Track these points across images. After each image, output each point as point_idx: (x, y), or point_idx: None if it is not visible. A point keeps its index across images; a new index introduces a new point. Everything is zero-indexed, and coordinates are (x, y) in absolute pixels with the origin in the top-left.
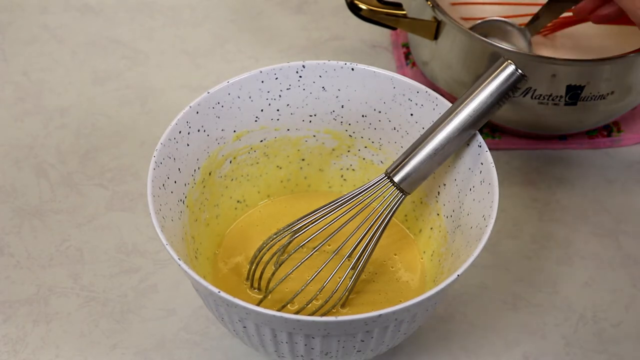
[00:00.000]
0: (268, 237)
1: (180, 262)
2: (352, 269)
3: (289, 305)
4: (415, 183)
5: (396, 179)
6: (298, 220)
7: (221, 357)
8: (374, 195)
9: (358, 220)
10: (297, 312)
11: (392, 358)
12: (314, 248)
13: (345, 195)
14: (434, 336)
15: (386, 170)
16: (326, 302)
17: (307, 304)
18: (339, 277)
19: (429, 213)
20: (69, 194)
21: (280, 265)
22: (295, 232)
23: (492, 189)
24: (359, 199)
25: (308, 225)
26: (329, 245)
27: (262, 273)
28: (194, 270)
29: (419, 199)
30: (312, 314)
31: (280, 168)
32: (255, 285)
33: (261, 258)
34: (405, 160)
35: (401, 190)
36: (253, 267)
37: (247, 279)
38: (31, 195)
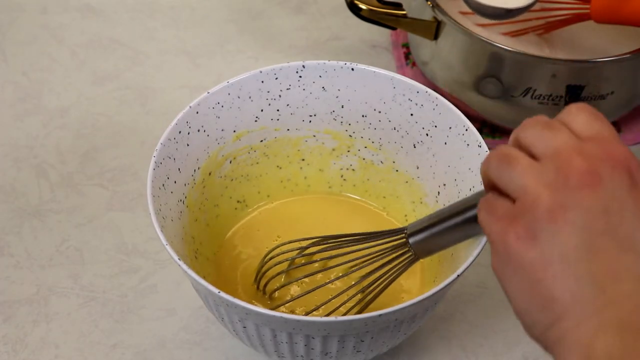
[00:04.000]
0: (276, 245)
1: (180, 263)
2: (360, 293)
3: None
4: (431, 251)
5: (411, 240)
6: (311, 241)
7: (221, 357)
8: (389, 247)
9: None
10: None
11: (392, 358)
12: (322, 268)
13: (361, 235)
14: (434, 336)
15: (406, 229)
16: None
17: (310, 312)
18: (346, 295)
19: (429, 213)
20: (69, 194)
21: (288, 283)
22: (305, 250)
23: None
24: (374, 247)
25: (320, 249)
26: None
27: (268, 281)
28: (194, 271)
29: (418, 199)
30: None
31: (280, 168)
32: (261, 288)
33: (269, 267)
34: (427, 227)
35: (414, 253)
36: (260, 274)
37: (255, 280)
38: (31, 195)
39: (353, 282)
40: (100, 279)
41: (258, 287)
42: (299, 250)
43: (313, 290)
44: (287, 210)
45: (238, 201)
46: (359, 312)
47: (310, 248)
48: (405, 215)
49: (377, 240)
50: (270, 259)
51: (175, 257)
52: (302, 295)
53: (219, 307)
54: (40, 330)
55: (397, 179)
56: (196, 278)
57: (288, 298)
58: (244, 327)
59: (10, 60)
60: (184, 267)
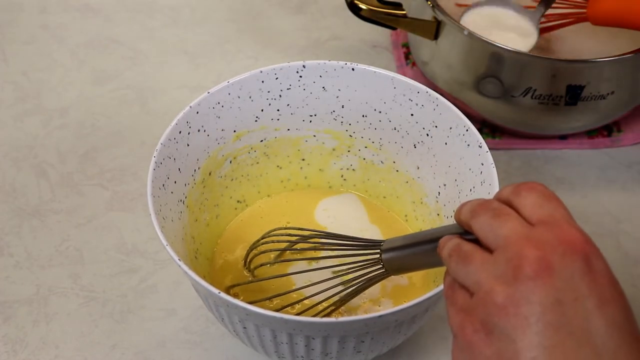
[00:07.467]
0: (276, 228)
1: (180, 263)
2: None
3: (288, 308)
4: (401, 270)
5: (384, 256)
6: (309, 232)
7: (221, 357)
8: (367, 258)
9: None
10: (297, 313)
11: (392, 358)
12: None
13: (348, 239)
14: (434, 336)
15: (382, 243)
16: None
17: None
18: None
19: (429, 213)
20: (69, 194)
21: (272, 263)
22: (293, 243)
23: (492, 190)
24: (354, 253)
25: (306, 243)
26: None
27: (255, 256)
28: (194, 271)
29: (419, 199)
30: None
31: (280, 168)
32: (247, 265)
33: (263, 244)
34: (399, 247)
35: (384, 267)
36: (251, 247)
37: (244, 260)
38: (31, 195)
39: (329, 278)
40: (100, 279)
41: (245, 264)
42: (298, 237)
43: (287, 275)
44: (287, 206)
45: (238, 201)
46: (327, 313)
47: (301, 242)
48: (406, 215)
49: (359, 248)
50: (263, 237)
51: (176, 258)
52: (279, 277)
53: (219, 308)
54: (40, 330)
55: (397, 179)
56: (196, 279)
57: (267, 276)
58: (244, 327)
59: (10, 60)
60: (184, 267)
